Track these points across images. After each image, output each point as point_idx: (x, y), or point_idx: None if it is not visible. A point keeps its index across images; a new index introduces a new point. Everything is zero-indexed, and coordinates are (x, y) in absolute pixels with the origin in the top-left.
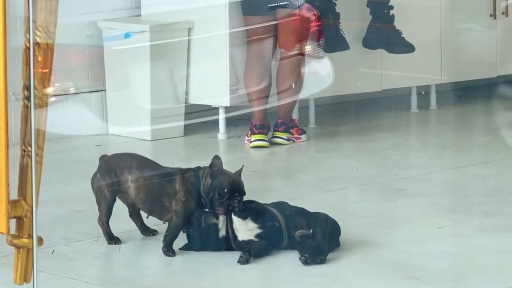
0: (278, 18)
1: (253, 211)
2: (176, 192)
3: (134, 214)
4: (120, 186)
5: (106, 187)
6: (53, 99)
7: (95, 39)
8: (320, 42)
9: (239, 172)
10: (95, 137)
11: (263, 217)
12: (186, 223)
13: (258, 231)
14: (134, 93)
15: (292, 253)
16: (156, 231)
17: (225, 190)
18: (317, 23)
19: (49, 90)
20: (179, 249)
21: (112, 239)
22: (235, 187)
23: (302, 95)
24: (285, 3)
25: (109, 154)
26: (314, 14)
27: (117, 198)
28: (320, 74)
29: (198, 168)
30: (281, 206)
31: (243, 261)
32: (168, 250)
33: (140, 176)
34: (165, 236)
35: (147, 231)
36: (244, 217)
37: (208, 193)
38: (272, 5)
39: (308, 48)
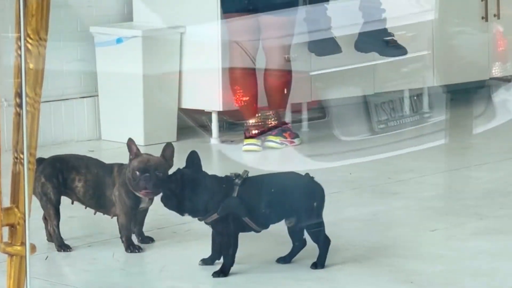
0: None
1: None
2: (114, 184)
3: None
4: (66, 187)
5: (52, 191)
6: (45, 105)
7: (86, 44)
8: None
9: (166, 155)
10: (88, 142)
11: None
12: (131, 211)
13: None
14: (127, 98)
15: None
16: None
17: (137, 173)
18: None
19: (41, 97)
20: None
21: (62, 246)
22: (145, 167)
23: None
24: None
25: (59, 157)
26: None
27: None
28: None
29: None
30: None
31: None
32: (133, 248)
33: (88, 173)
34: (121, 237)
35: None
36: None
37: (128, 178)
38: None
39: None
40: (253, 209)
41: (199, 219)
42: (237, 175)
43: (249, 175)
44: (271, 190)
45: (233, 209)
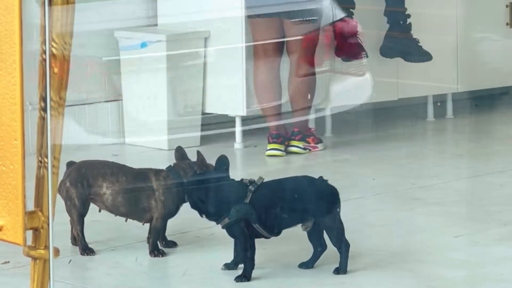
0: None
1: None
2: (154, 191)
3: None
4: (94, 194)
5: (76, 196)
6: (69, 109)
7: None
8: (362, 57)
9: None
10: (112, 146)
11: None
12: (169, 217)
13: None
14: (151, 103)
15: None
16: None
17: None
18: (356, 39)
19: (66, 101)
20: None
21: (85, 250)
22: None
23: (337, 107)
24: (314, 18)
25: (87, 163)
26: (352, 28)
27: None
28: (359, 89)
29: (170, 166)
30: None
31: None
32: (158, 252)
33: (116, 181)
34: (148, 238)
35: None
36: None
37: None
38: (296, 19)
39: (351, 68)
40: (264, 216)
41: (217, 223)
42: (252, 181)
43: (268, 179)
44: (285, 195)
45: (243, 215)
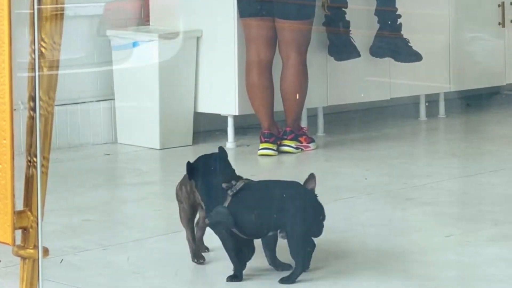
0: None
1: None
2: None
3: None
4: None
5: (183, 199)
6: (61, 108)
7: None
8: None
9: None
10: (104, 146)
11: None
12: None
13: None
14: (143, 102)
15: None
16: None
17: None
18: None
19: (56, 100)
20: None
21: (195, 257)
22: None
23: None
24: (306, 17)
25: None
26: None
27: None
28: None
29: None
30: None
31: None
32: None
33: None
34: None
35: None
36: None
37: None
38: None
39: None
40: (242, 220)
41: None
42: (231, 186)
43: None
44: (263, 200)
45: (220, 219)
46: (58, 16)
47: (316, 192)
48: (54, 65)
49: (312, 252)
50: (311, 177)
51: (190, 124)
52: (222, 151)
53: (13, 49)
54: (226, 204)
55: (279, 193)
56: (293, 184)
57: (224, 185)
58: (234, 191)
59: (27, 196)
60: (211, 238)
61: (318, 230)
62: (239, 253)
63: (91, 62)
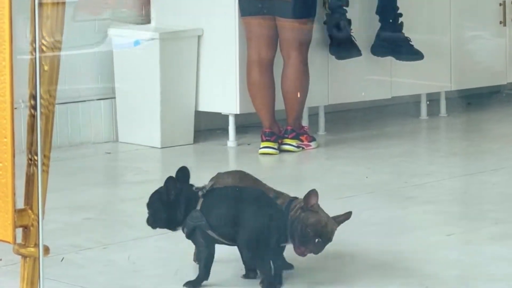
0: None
1: None
2: None
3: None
4: None
5: None
6: (62, 106)
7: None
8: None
9: (339, 219)
10: (105, 144)
11: None
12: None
13: None
14: (144, 101)
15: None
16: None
17: (309, 231)
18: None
19: (57, 98)
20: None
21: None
22: (321, 232)
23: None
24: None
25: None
26: None
27: None
28: None
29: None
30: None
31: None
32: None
33: None
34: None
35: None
36: None
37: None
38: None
39: None
40: (216, 223)
41: (172, 230)
42: (202, 187)
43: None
44: (229, 205)
45: (195, 223)
46: (59, 13)
47: (318, 204)
48: (55, 63)
49: (281, 268)
50: (312, 192)
51: (191, 123)
52: (169, 180)
53: (14, 47)
54: (198, 207)
55: (243, 200)
56: (257, 193)
57: (194, 187)
58: (204, 191)
59: (28, 194)
60: None
61: (282, 238)
62: (209, 264)
63: (92, 60)
